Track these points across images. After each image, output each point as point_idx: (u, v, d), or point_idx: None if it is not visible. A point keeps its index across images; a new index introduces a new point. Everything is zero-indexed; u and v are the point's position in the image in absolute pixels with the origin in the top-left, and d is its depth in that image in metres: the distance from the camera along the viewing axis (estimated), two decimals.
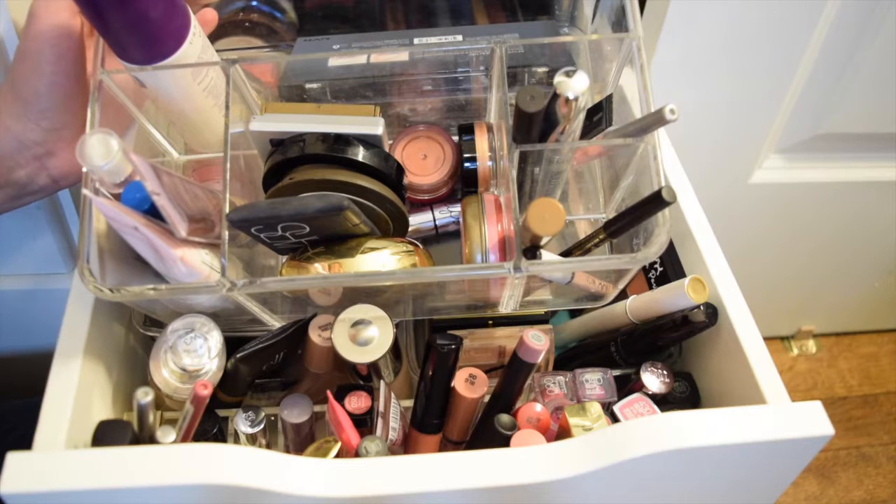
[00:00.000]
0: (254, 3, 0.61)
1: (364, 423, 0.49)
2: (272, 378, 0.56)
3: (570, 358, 0.61)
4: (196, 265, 0.45)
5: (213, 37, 0.51)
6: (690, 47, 0.82)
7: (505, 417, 0.46)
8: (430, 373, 0.48)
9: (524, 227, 0.45)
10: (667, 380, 0.51)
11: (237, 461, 0.39)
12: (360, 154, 0.49)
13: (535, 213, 0.45)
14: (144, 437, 0.46)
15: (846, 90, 0.90)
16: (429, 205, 0.58)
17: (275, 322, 0.52)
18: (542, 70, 0.55)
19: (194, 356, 0.48)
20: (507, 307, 0.53)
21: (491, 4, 0.63)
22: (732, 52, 0.83)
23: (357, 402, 0.49)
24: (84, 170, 0.44)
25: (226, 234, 0.45)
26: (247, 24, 0.61)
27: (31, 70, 0.46)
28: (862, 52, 0.85)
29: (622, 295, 0.54)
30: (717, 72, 0.86)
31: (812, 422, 0.42)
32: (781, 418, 0.42)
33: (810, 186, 1.03)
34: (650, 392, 0.50)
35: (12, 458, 0.39)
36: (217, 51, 0.50)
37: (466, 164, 0.55)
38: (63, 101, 0.47)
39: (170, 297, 0.46)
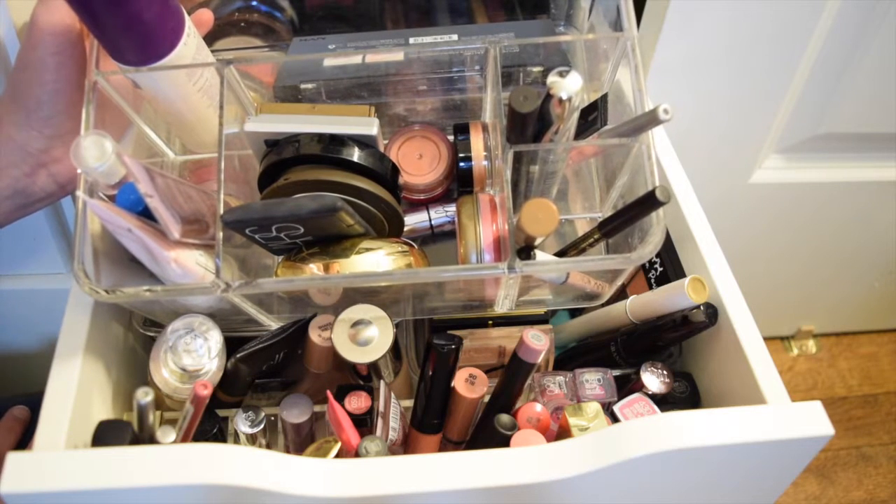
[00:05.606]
0: (253, 3, 0.61)
1: (364, 423, 0.49)
2: (272, 378, 0.56)
3: (570, 358, 0.61)
4: (190, 266, 0.45)
5: (212, 36, 0.51)
6: (690, 47, 0.82)
7: (505, 417, 0.46)
8: (430, 373, 0.47)
9: (518, 228, 0.45)
10: (667, 380, 0.51)
11: (237, 461, 0.39)
12: (355, 154, 0.49)
13: (529, 213, 0.44)
14: (144, 437, 0.46)
15: (846, 90, 0.90)
16: (424, 205, 0.58)
17: (271, 323, 0.52)
18: (537, 69, 0.55)
19: (194, 356, 0.48)
20: (502, 306, 0.52)
21: (489, 3, 0.62)
22: (732, 53, 0.83)
23: (357, 402, 0.49)
24: (78, 171, 0.44)
25: (220, 235, 0.45)
26: (245, 23, 0.61)
27: (33, 79, 0.46)
28: (862, 52, 0.85)
29: (622, 295, 0.54)
30: (717, 72, 0.86)
31: (812, 422, 0.42)
32: (781, 418, 0.42)
33: (810, 186, 1.03)
34: (650, 392, 0.50)
35: (12, 458, 0.38)
36: (216, 50, 0.50)
37: (462, 164, 0.55)
38: (65, 109, 0.47)
39: (165, 298, 0.46)
